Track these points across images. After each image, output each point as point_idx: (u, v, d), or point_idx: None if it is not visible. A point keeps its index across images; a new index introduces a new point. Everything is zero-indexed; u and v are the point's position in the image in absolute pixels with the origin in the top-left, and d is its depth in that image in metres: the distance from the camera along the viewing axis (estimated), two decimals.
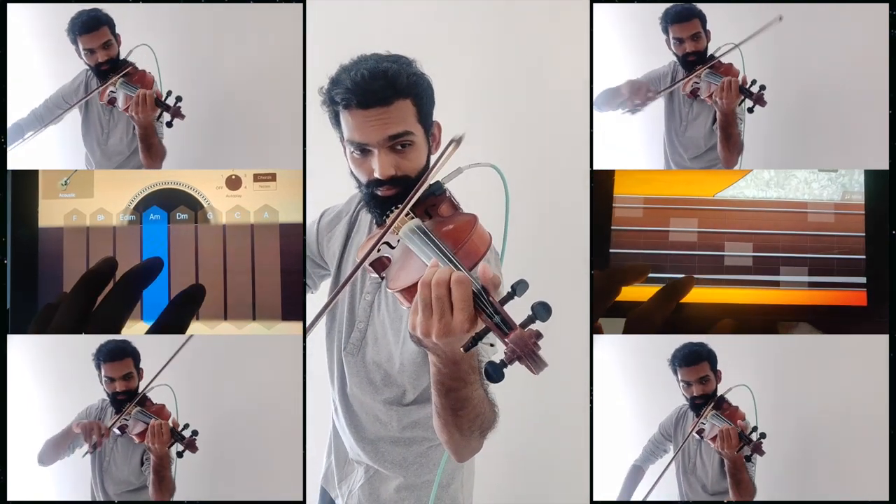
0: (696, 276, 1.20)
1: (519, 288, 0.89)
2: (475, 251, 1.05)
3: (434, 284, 0.91)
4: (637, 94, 1.43)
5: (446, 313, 0.91)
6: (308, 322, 1.44)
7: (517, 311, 0.90)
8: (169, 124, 1.46)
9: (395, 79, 1.22)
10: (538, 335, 0.86)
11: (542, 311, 0.86)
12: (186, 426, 1.44)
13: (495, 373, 0.87)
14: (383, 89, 1.21)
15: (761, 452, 1.41)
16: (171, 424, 1.43)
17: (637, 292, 1.16)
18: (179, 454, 1.44)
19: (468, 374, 1.04)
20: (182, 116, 1.46)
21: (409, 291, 1.01)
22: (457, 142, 1.10)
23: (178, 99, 1.45)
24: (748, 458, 1.41)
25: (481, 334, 0.91)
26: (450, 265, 0.97)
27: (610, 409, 1.43)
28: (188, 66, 1.46)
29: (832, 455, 1.40)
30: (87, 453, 1.44)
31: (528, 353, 0.86)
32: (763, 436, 1.41)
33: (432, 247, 1.04)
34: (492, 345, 1.18)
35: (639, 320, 1.13)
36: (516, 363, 0.87)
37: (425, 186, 1.15)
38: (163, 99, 1.45)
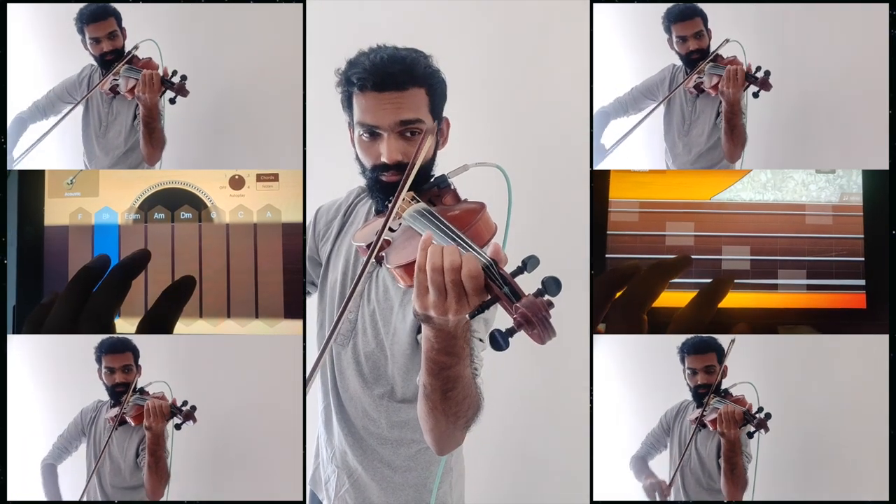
0: (693, 280, 1.20)
1: (530, 263, 0.89)
2: (479, 237, 1.04)
3: (447, 270, 0.91)
4: (657, 491, 1.45)
5: (462, 296, 0.91)
6: (306, 320, 1.45)
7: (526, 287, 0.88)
8: (172, 101, 1.46)
9: (413, 66, 1.25)
10: (550, 303, 0.84)
11: (552, 285, 0.84)
12: (185, 403, 1.44)
13: (502, 340, 0.84)
14: (400, 73, 1.24)
15: (766, 428, 1.40)
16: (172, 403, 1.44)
17: (667, 298, 1.15)
18: (178, 426, 1.44)
19: (462, 349, 1.04)
20: (186, 93, 1.46)
21: (408, 269, 0.99)
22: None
23: (184, 78, 1.46)
24: (750, 435, 1.41)
25: (488, 303, 0.90)
26: (456, 242, 0.97)
27: (610, 408, 1.43)
28: (188, 66, 1.46)
29: (832, 455, 1.40)
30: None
31: (539, 318, 0.83)
32: (769, 416, 1.40)
33: (437, 228, 1.04)
34: (481, 339, 1.19)
35: (679, 326, 1.11)
36: (524, 331, 0.84)
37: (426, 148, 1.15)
38: (168, 77, 1.46)
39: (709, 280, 1.20)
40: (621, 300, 1.11)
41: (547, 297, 0.85)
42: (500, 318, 1.05)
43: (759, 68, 1.42)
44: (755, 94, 1.42)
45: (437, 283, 0.92)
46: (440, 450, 1.22)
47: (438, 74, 1.31)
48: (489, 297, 0.90)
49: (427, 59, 1.30)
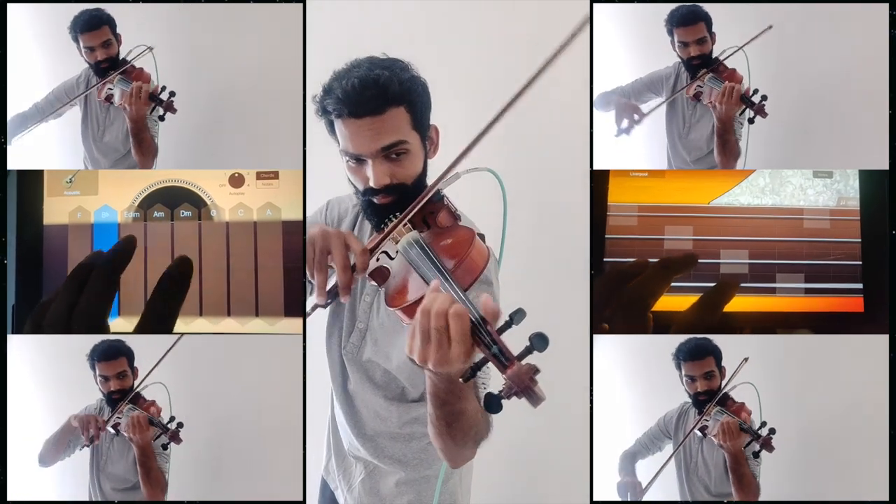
0: (692, 283, 1.20)
1: (517, 317, 0.90)
2: (474, 267, 1.05)
3: (434, 315, 0.91)
4: (625, 113, 1.40)
5: (444, 345, 0.90)
6: (306, 319, 1.46)
7: (515, 340, 0.90)
8: (161, 118, 1.46)
9: (387, 87, 1.19)
10: (535, 370, 0.87)
11: (539, 342, 0.87)
12: (172, 419, 1.44)
13: (494, 404, 0.88)
14: (374, 98, 1.18)
15: (770, 448, 1.39)
16: (151, 415, 1.44)
17: (667, 302, 1.15)
18: (164, 447, 1.44)
19: (463, 390, 1.04)
20: (174, 111, 1.46)
21: (409, 310, 1.01)
22: None
23: (172, 94, 1.46)
24: (756, 455, 1.40)
25: (479, 364, 0.92)
26: (448, 285, 0.97)
27: (610, 408, 1.43)
28: (188, 66, 1.46)
29: (832, 455, 1.40)
30: (83, 446, 1.45)
31: (524, 388, 0.87)
32: (773, 431, 1.39)
33: (430, 263, 1.04)
34: (484, 384, 1.20)
35: (681, 331, 1.12)
36: (514, 398, 0.88)
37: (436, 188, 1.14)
38: (157, 94, 1.46)
39: (710, 284, 1.20)
40: (627, 298, 1.12)
41: (534, 361, 0.87)
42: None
43: (755, 91, 1.39)
44: (751, 121, 1.39)
45: (423, 326, 0.92)
46: (452, 465, 1.25)
47: (418, 84, 1.26)
48: (480, 355, 0.92)
49: (402, 73, 1.24)
